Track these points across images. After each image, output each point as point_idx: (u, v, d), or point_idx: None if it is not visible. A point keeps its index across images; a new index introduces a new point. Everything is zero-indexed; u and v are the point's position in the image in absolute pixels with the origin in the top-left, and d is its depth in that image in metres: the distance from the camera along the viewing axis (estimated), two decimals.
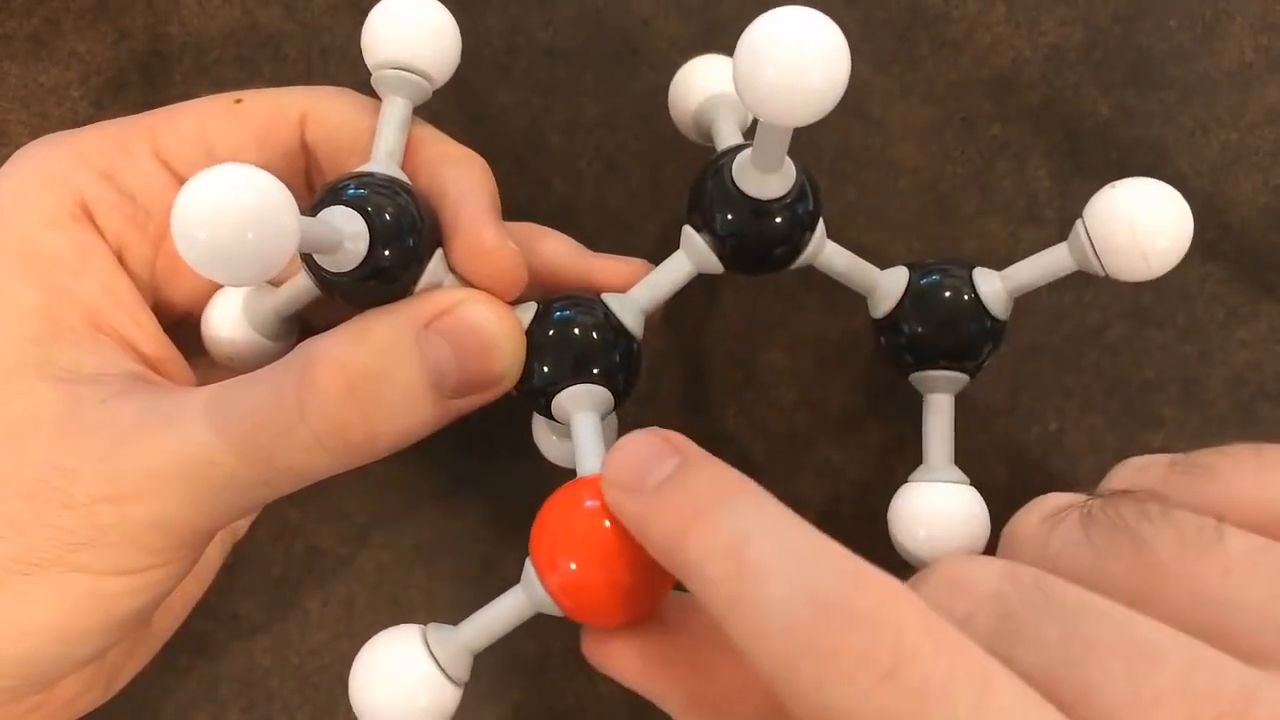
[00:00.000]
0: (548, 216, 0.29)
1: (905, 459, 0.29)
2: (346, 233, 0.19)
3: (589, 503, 0.19)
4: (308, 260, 0.20)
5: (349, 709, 0.29)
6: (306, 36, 0.30)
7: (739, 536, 0.16)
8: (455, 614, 0.29)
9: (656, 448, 0.19)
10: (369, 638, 0.29)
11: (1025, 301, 0.30)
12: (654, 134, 0.30)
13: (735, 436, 0.29)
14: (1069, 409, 0.29)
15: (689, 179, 0.29)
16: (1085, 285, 0.25)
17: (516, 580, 0.29)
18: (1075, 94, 0.29)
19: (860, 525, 0.29)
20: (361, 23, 0.30)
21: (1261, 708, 0.14)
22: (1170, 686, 0.14)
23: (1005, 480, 0.29)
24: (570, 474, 0.21)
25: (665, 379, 0.29)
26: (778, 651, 0.15)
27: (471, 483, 0.29)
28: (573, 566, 0.19)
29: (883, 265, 0.26)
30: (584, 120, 0.30)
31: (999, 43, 0.29)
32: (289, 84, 0.30)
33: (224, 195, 0.16)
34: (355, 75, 0.30)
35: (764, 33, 0.17)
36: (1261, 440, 0.20)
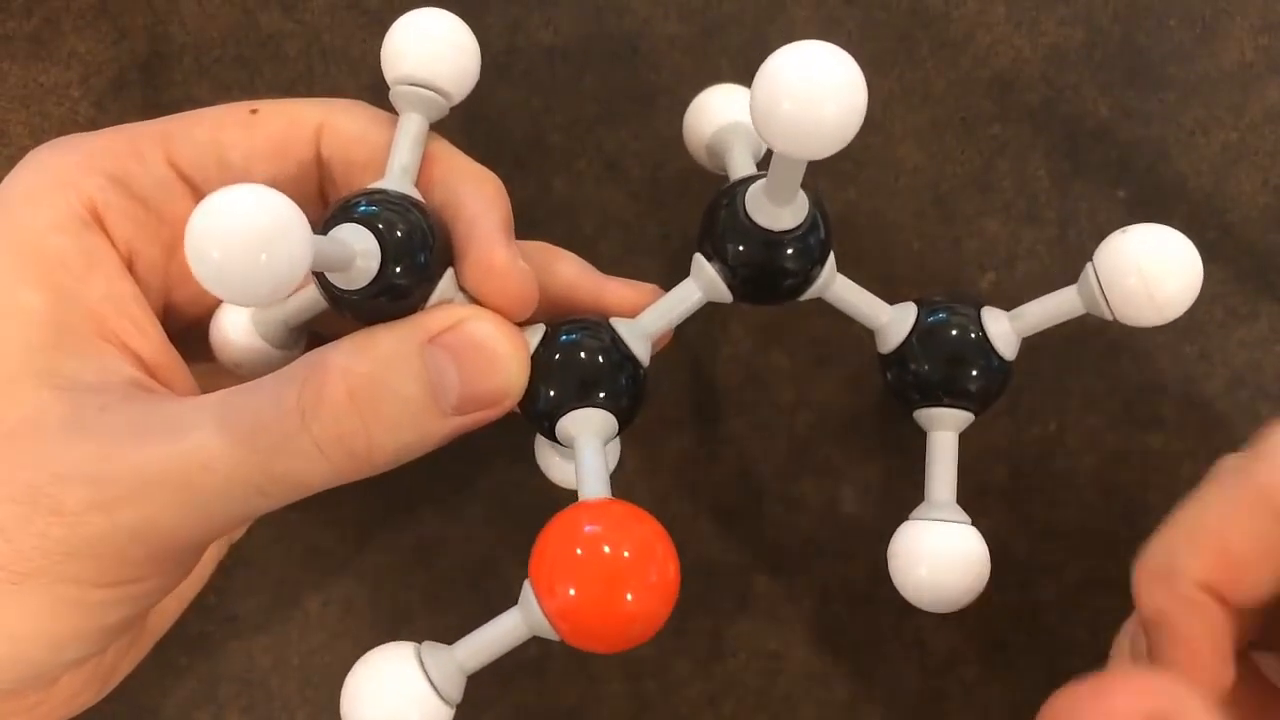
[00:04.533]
0: (548, 216, 0.29)
1: (905, 459, 0.29)
2: (358, 250, 0.19)
3: (589, 528, 0.19)
4: (319, 276, 0.20)
5: None
6: (306, 36, 0.30)
7: None
8: (455, 614, 0.29)
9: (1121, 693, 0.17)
10: (369, 638, 0.29)
11: (1026, 303, 0.30)
12: (654, 134, 0.30)
13: (735, 437, 0.29)
14: (1069, 409, 0.29)
15: (689, 179, 0.29)
16: None
17: (515, 581, 0.29)
18: (1075, 94, 0.29)
19: (860, 525, 0.29)
20: (362, 23, 0.30)
21: None
22: None
23: (1005, 480, 0.29)
24: (573, 494, 0.21)
25: (666, 380, 0.29)
26: None
27: (471, 483, 0.29)
28: (572, 592, 0.19)
29: (884, 265, 0.26)
30: (584, 120, 0.30)
31: (999, 43, 0.29)
32: (289, 84, 0.30)
33: (238, 216, 0.16)
34: (356, 77, 0.30)
35: (781, 66, 0.17)
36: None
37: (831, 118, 0.17)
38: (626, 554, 0.19)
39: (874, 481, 0.29)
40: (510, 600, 0.29)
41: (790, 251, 0.22)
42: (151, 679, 0.26)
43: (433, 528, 0.29)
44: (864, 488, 0.29)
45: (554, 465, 0.25)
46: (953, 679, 0.28)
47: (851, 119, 0.17)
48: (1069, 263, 0.29)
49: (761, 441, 0.29)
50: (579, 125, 0.30)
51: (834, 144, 0.18)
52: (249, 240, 0.16)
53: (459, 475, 0.29)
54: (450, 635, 0.29)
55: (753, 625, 0.29)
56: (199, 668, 0.29)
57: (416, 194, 0.22)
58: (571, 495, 0.21)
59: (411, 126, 0.22)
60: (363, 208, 0.20)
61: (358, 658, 0.29)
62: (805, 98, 0.17)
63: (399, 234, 0.20)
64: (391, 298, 0.20)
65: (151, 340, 0.22)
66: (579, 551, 0.19)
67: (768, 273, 0.22)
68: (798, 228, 0.21)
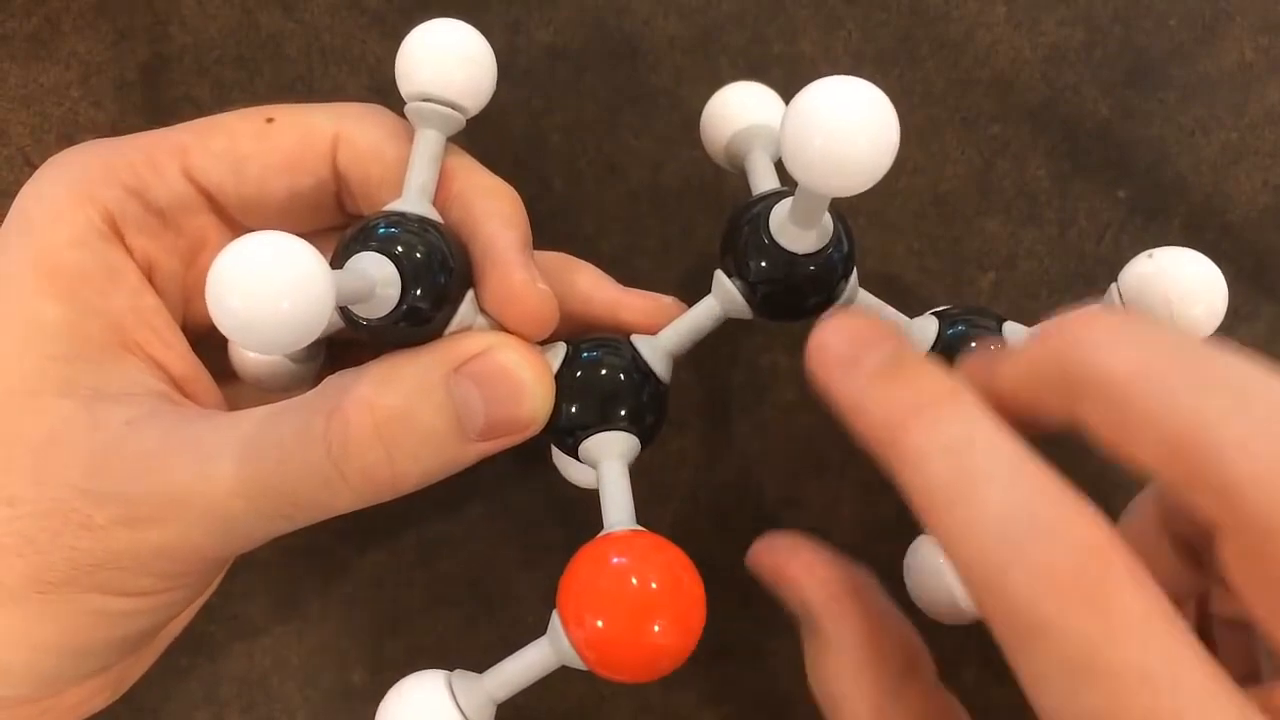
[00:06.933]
0: (548, 216, 0.29)
1: None
2: (378, 279, 0.19)
3: (616, 559, 0.19)
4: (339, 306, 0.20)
5: (349, 709, 0.29)
6: (306, 36, 0.30)
7: (962, 439, 0.17)
8: (455, 614, 0.29)
9: (870, 330, 0.19)
10: (369, 638, 0.29)
11: (1026, 302, 0.30)
12: (654, 134, 0.30)
13: (735, 437, 0.29)
14: None
15: (689, 179, 0.29)
16: (1085, 286, 0.25)
17: (515, 582, 0.29)
18: (1075, 94, 0.29)
19: (860, 525, 0.29)
20: (362, 23, 0.30)
21: None
22: None
23: None
24: (583, 493, 0.21)
25: None
26: (990, 555, 0.16)
27: (471, 483, 0.29)
28: (600, 624, 0.19)
29: (884, 265, 0.26)
30: (584, 120, 0.30)
31: (999, 43, 0.29)
32: (289, 84, 0.30)
33: (259, 265, 0.16)
34: (356, 77, 0.30)
35: (814, 101, 0.17)
36: None
37: (864, 156, 0.17)
38: (654, 585, 0.19)
39: (874, 481, 0.29)
40: (510, 600, 0.29)
41: (813, 269, 0.21)
42: (152, 679, 0.26)
43: (433, 527, 0.29)
44: (864, 488, 0.29)
45: (571, 466, 0.25)
46: (953, 681, 0.28)
47: (883, 158, 0.17)
48: (1069, 263, 0.29)
49: (761, 441, 0.29)
50: (579, 125, 0.30)
51: (865, 182, 0.17)
52: (271, 289, 0.16)
53: (459, 475, 0.29)
54: (450, 636, 0.29)
55: (753, 625, 0.29)
56: (200, 668, 0.29)
57: (434, 214, 0.21)
58: (585, 494, 0.21)
59: (429, 144, 0.22)
60: (381, 232, 0.20)
61: (357, 658, 0.29)
62: (839, 135, 0.17)
63: (418, 260, 0.20)
64: (413, 323, 0.20)
65: (177, 352, 0.22)
66: (606, 583, 0.19)
67: (790, 291, 0.22)
68: (822, 249, 0.21)
